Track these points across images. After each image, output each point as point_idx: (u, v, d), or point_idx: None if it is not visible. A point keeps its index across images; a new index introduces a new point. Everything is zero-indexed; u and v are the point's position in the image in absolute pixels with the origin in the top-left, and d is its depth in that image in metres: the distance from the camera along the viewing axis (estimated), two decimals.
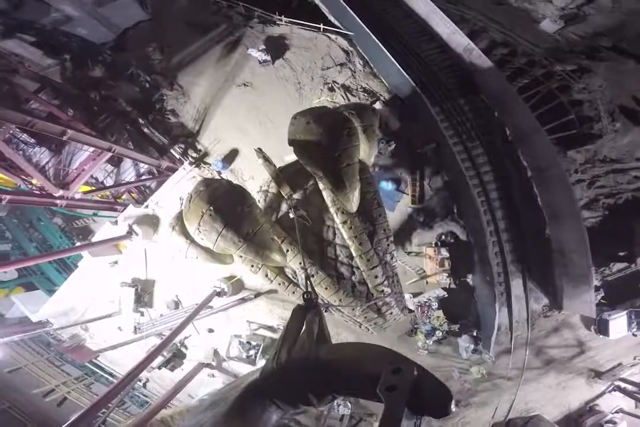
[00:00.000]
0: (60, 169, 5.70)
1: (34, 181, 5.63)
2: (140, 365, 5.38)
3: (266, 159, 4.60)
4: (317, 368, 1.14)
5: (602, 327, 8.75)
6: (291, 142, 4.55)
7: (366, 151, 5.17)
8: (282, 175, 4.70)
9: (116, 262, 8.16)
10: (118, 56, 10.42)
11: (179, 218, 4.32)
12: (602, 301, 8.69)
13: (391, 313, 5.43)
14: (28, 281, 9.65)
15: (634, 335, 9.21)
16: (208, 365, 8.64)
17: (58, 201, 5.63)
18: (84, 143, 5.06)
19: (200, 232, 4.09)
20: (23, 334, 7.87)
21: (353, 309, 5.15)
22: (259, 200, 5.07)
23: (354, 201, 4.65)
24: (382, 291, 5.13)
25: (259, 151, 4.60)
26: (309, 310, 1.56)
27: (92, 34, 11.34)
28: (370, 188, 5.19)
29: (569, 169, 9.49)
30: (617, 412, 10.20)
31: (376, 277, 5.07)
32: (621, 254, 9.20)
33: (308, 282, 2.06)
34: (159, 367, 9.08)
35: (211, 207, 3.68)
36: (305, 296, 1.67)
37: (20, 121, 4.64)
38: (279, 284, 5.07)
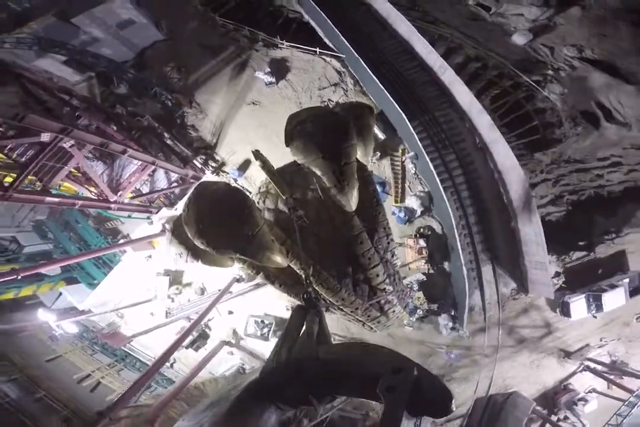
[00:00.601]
0: (113, 178, 7.41)
1: (91, 188, 7.36)
2: (174, 345, 6.33)
3: (263, 161, 4.74)
4: (317, 368, 1.17)
5: (564, 309, 10.35)
6: (288, 142, 4.66)
7: (363, 150, 5.28)
8: (280, 176, 4.82)
9: (150, 256, 9.97)
10: (140, 74, 12.18)
11: (178, 222, 4.33)
12: (562, 285, 10.34)
13: (394, 311, 5.54)
14: (69, 276, 11.57)
15: (594, 317, 10.78)
16: (228, 343, 10.48)
17: (112, 205, 7.41)
18: (138, 159, 6.77)
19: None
20: (78, 318, 9.84)
21: (356, 308, 5.19)
22: (257, 202, 5.15)
23: (352, 200, 4.77)
24: (384, 289, 5.20)
25: (257, 154, 4.76)
26: (309, 310, 1.62)
27: (115, 53, 13.10)
28: (369, 186, 5.29)
29: (535, 169, 11.14)
30: (590, 392, 11.84)
31: (377, 275, 5.16)
32: (581, 244, 10.82)
33: (308, 282, 2.10)
34: (187, 348, 10.98)
35: (210, 211, 3.74)
36: (305, 296, 1.73)
37: (99, 143, 6.30)
38: (280, 285, 5.16)
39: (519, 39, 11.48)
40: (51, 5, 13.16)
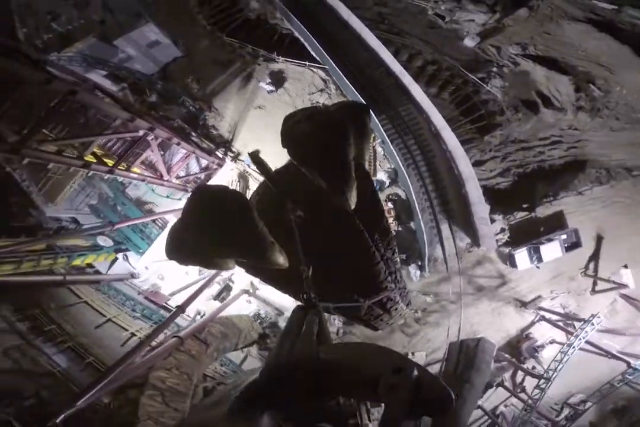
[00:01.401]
0: (166, 162, 10.86)
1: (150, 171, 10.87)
2: (198, 291, 9.78)
3: (259, 163, 4.69)
4: (318, 368, 1.27)
5: (511, 261, 13.39)
6: (284, 143, 4.80)
7: (361, 148, 5.30)
8: (278, 177, 4.83)
9: None
10: (166, 85, 15.74)
11: (176, 227, 4.26)
12: (508, 240, 13.51)
13: (396, 309, 5.62)
14: (119, 248, 15.33)
15: (537, 267, 13.79)
16: (247, 291, 14.05)
17: (166, 183, 10.98)
18: (184, 149, 10.33)
19: None
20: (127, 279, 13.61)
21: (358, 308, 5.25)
22: (255, 203, 5.20)
23: (351, 200, 4.76)
24: (386, 287, 5.28)
25: (253, 155, 4.73)
26: (308, 310, 1.80)
27: (144, 68, 16.72)
28: (367, 186, 5.34)
29: (484, 149, 14.31)
30: (551, 342, 14.80)
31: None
32: (524, 206, 14.00)
33: (307, 282, 2.29)
34: (214, 299, 14.60)
35: (209, 214, 3.82)
36: (304, 296, 1.96)
37: (166, 137, 9.70)
38: (280, 286, 5.09)
39: (468, 42, 14.58)
40: (91, 28, 16.98)
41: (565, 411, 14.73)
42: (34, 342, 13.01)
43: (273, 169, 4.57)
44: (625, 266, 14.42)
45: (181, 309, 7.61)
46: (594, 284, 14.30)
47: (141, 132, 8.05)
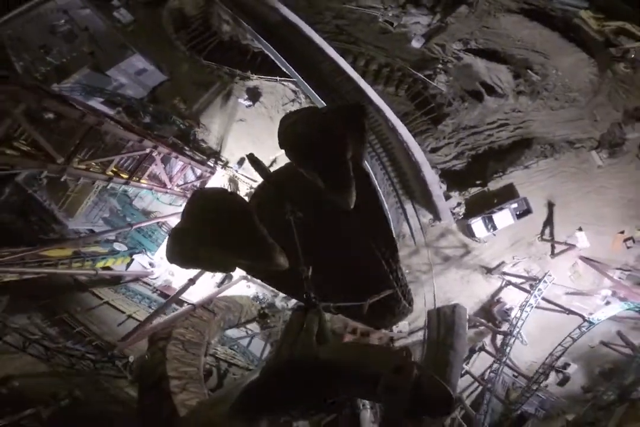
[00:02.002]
0: (167, 173, 13.57)
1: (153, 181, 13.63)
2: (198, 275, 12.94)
3: (257, 163, 4.96)
4: (318, 368, 1.30)
5: (470, 230, 15.91)
6: (281, 144, 4.88)
7: (358, 148, 5.29)
8: (276, 178, 5.00)
9: None
10: (157, 107, 18.37)
11: (177, 234, 4.39)
12: (465, 213, 16.01)
13: (399, 307, 5.64)
14: (133, 252, 18.11)
15: (494, 234, 16.18)
16: (246, 278, 16.59)
17: (169, 190, 13.67)
18: (182, 161, 13.00)
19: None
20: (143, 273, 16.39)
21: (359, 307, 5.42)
22: (254, 205, 5.27)
23: (349, 200, 4.84)
24: (387, 285, 5.26)
25: (250, 156, 4.96)
26: (309, 310, 1.93)
27: (134, 93, 19.40)
28: (367, 185, 5.32)
29: (439, 137, 16.82)
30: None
31: None
32: (477, 182, 16.50)
33: (307, 282, 2.38)
34: (218, 286, 17.24)
35: (207, 215, 3.85)
36: (304, 296, 2.07)
37: (167, 152, 12.41)
38: (280, 286, 5.56)
39: (415, 44, 17.02)
40: (84, 60, 19.68)
41: (552, 375, 16.42)
42: (64, 344, 14.42)
43: (271, 170, 4.79)
44: (580, 229, 16.87)
45: (192, 281, 10.35)
46: (552, 247, 16.74)
47: (148, 150, 10.78)
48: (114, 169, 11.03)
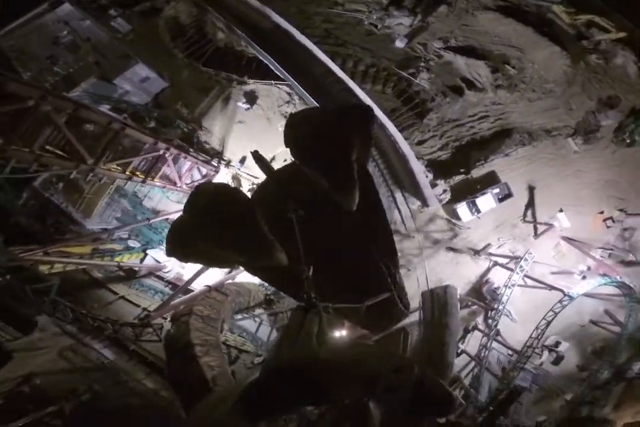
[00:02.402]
0: (177, 172, 15.31)
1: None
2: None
3: (261, 160, 5.24)
4: (317, 367, 1.71)
5: (456, 215, 17.53)
6: (286, 143, 5.03)
7: (364, 150, 5.62)
8: (279, 175, 5.16)
9: None
10: (161, 112, 19.99)
11: (178, 226, 4.65)
12: (451, 198, 17.62)
13: (395, 311, 5.87)
14: (146, 248, 19.83)
15: (478, 217, 17.82)
16: None
17: (179, 188, 15.37)
18: (190, 161, 14.66)
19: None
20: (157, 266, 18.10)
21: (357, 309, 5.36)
22: (255, 201, 5.49)
23: (352, 200, 5.00)
24: (386, 288, 5.53)
25: (254, 154, 5.25)
26: (309, 310, 2.28)
27: (139, 99, 21.05)
28: (369, 186, 5.60)
29: (424, 130, 18.42)
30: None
31: None
32: (461, 170, 18.10)
33: (307, 282, 2.44)
34: (229, 272, 18.89)
35: (208, 209, 3.91)
36: (305, 296, 2.38)
37: (177, 153, 14.09)
38: (280, 286, 5.90)
39: (399, 44, 18.59)
40: (90, 70, 21.30)
41: (545, 354, 17.65)
42: (84, 340, 15.26)
43: (275, 168, 4.64)
44: (560, 210, 18.48)
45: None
46: (535, 229, 18.36)
47: (161, 151, 12.47)
48: (132, 170, 12.72)
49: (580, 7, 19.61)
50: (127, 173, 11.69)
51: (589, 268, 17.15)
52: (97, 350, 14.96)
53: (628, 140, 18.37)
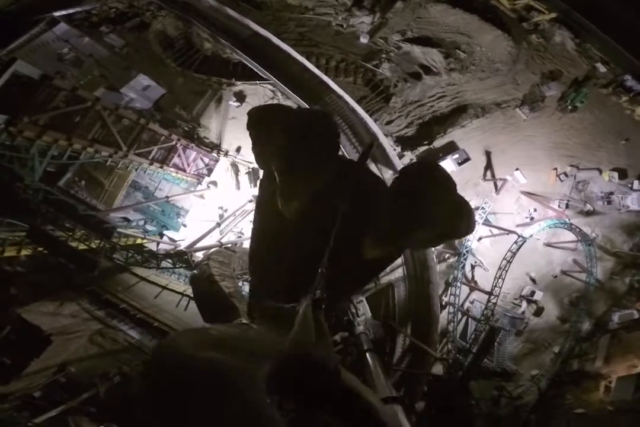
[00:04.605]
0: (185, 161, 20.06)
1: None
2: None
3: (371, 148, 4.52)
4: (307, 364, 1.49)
5: None
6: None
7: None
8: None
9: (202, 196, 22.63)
10: (163, 115, 24.75)
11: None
12: None
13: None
14: (162, 230, 24.52)
15: None
16: None
17: (187, 174, 20.04)
18: (197, 152, 19.45)
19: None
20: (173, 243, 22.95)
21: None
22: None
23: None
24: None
25: (370, 144, 4.94)
26: (317, 310, 2.17)
27: (142, 105, 25.89)
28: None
29: (391, 112, 23.16)
30: (479, 238, 23.10)
31: None
32: (425, 142, 22.74)
33: (320, 278, 2.53)
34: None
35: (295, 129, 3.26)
36: (314, 293, 2.28)
37: (185, 143, 18.97)
38: None
39: (363, 40, 23.38)
40: (98, 82, 26.13)
41: (524, 304, 21.10)
42: (111, 323, 18.04)
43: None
44: (517, 169, 23.14)
45: (218, 224, 16.98)
46: (495, 186, 22.96)
47: (174, 142, 17.27)
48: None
49: None
50: (149, 159, 16.49)
51: (535, 210, 21.71)
52: (124, 331, 17.85)
53: (570, 107, 22.97)
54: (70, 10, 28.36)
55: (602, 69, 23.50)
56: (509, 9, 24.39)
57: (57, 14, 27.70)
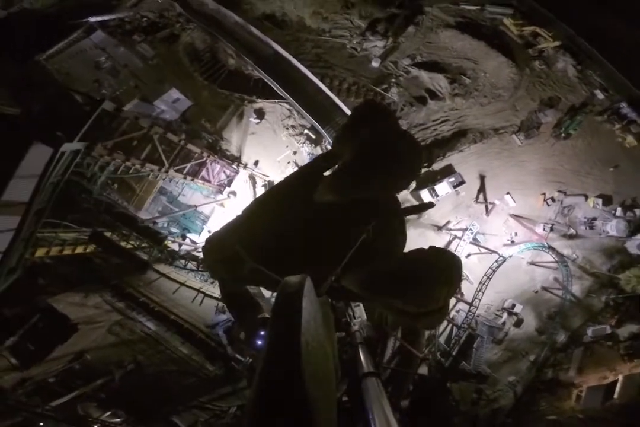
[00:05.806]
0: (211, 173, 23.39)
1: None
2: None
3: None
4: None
5: (420, 199, 25.22)
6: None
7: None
8: None
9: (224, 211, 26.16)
10: (189, 127, 27.95)
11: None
12: (416, 186, 25.17)
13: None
14: (185, 234, 28.40)
15: (438, 200, 25.31)
16: None
17: (212, 185, 23.51)
18: (221, 165, 23.01)
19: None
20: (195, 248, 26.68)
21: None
22: None
23: None
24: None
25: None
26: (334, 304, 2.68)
27: (170, 116, 29.13)
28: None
29: None
30: (468, 256, 26.26)
31: None
32: (425, 164, 25.53)
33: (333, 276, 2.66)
34: None
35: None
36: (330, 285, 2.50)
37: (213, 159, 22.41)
38: None
39: (375, 64, 25.82)
40: (133, 93, 29.36)
41: (505, 315, 23.47)
42: (130, 315, 19.28)
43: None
44: (507, 193, 25.82)
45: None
46: (486, 208, 25.73)
47: (204, 158, 20.69)
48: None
49: (529, 19, 26.14)
50: (183, 174, 19.96)
51: (516, 234, 24.60)
52: (142, 322, 19.25)
53: (564, 135, 25.26)
54: (106, 17, 31.20)
55: (600, 95, 25.31)
56: (516, 35, 26.33)
57: (92, 19, 30.47)
